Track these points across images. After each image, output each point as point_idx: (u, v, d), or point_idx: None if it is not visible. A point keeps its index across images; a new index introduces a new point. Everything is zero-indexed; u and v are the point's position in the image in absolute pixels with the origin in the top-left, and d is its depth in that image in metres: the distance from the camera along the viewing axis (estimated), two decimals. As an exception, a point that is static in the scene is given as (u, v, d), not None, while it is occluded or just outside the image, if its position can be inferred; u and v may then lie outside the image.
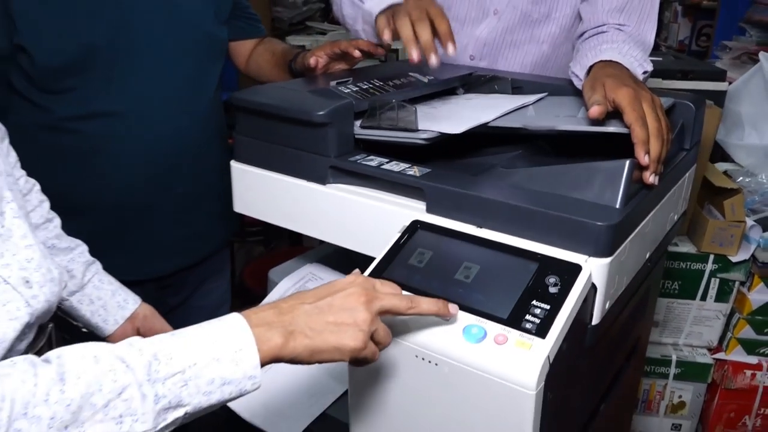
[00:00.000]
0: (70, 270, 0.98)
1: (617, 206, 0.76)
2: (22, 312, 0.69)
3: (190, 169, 1.25)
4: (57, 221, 1.00)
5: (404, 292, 0.71)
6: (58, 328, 0.88)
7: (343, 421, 0.88)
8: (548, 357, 0.66)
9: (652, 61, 1.09)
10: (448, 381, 0.70)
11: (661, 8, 1.44)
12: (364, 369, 0.77)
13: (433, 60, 0.98)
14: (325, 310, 0.65)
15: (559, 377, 0.69)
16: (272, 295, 1.10)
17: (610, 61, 0.96)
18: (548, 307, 0.69)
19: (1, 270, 0.69)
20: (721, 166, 1.84)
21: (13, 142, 0.93)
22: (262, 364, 0.61)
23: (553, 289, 0.70)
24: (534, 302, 0.70)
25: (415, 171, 0.85)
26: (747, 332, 1.68)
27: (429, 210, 0.83)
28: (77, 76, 1.11)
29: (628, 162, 0.77)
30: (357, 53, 1.12)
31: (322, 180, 0.92)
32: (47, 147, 1.15)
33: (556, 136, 0.92)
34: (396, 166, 0.86)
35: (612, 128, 0.84)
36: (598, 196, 0.77)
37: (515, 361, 0.66)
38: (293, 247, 2.66)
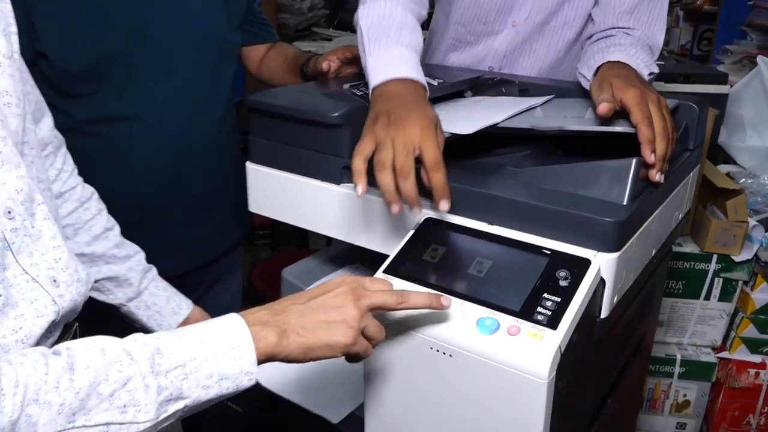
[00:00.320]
0: (127, 278, 1.02)
1: (625, 203, 0.79)
2: (48, 310, 0.71)
3: (204, 170, 1.27)
4: (117, 228, 1.03)
5: (399, 287, 0.75)
6: (86, 327, 0.90)
7: (358, 414, 0.90)
8: (559, 347, 0.68)
9: (654, 64, 1.11)
10: (462, 372, 0.73)
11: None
12: (380, 362, 0.80)
13: (416, 211, 0.81)
14: (315, 309, 0.69)
15: (569, 368, 0.71)
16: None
17: (618, 61, 0.99)
18: (559, 299, 0.71)
19: (30, 269, 0.71)
20: (724, 168, 1.87)
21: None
22: (259, 362, 0.65)
23: (563, 283, 0.73)
24: (545, 295, 0.72)
25: (427, 170, 0.87)
26: (750, 331, 1.70)
27: (442, 208, 0.85)
28: (95, 81, 1.14)
29: (634, 160, 0.80)
30: None
31: (336, 180, 0.95)
32: (67, 149, 1.17)
33: (564, 136, 0.95)
34: (408, 166, 0.89)
35: (619, 128, 0.87)
36: (606, 193, 0.80)
37: (528, 352, 0.68)
38: (301, 248, 2.68)
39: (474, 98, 1.19)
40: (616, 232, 0.75)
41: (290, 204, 1.02)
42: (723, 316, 1.74)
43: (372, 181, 0.79)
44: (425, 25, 1.13)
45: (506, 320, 0.71)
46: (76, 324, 0.82)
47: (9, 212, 0.69)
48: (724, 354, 1.75)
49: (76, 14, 1.11)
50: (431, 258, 0.80)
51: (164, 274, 1.29)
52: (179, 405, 0.61)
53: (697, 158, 1.09)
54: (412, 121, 0.79)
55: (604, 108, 0.86)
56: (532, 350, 0.68)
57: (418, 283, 0.78)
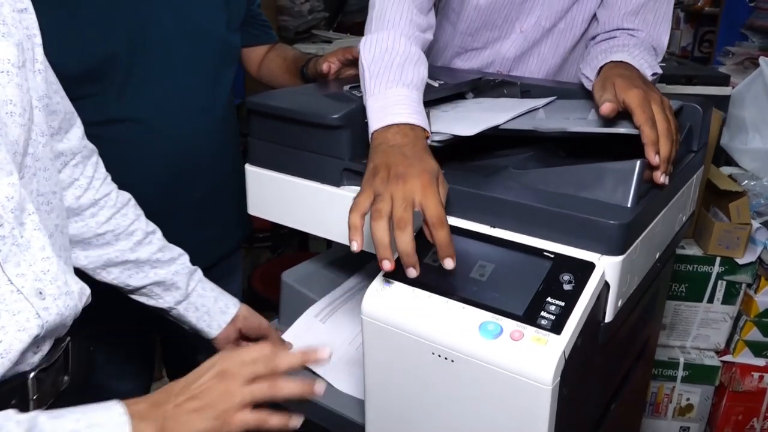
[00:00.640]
0: (174, 282, 1.02)
1: (629, 205, 0.78)
2: (31, 324, 0.69)
3: (204, 173, 1.26)
4: (158, 232, 1.03)
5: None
6: (88, 339, 0.89)
7: (359, 422, 0.89)
8: (564, 352, 0.67)
9: (656, 66, 1.10)
10: (464, 377, 0.72)
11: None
12: (380, 366, 0.79)
13: (412, 273, 0.74)
14: (188, 399, 0.69)
15: (573, 373, 0.70)
16: (310, 312, 1.12)
17: (621, 62, 0.98)
18: (563, 303, 0.70)
19: (15, 279, 0.69)
20: (726, 170, 1.86)
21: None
22: None
23: (567, 287, 0.72)
24: (549, 299, 0.71)
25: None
26: (754, 334, 1.69)
27: (443, 210, 0.84)
28: (95, 83, 1.13)
29: (639, 162, 0.79)
30: None
31: (336, 182, 0.94)
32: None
33: (566, 137, 0.94)
34: (409, 168, 0.88)
35: (622, 129, 0.86)
36: (610, 195, 0.79)
37: (531, 357, 0.67)
38: (301, 252, 2.67)
39: (475, 99, 1.18)
40: (620, 235, 0.73)
41: (290, 207, 1.01)
42: (726, 319, 1.73)
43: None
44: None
45: (509, 325, 0.70)
46: (68, 338, 0.80)
47: None
48: (728, 357, 1.74)
49: (75, 16, 1.10)
50: (433, 261, 0.79)
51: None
52: None
53: (701, 160, 1.08)
54: (413, 176, 0.76)
55: (606, 108, 0.85)
56: (535, 355, 0.67)
57: (420, 287, 0.77)
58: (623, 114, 0.86)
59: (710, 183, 1.66)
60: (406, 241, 0.72)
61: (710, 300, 1.71)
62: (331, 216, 0.96)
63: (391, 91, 0.88)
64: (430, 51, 1.42)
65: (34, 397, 0.74)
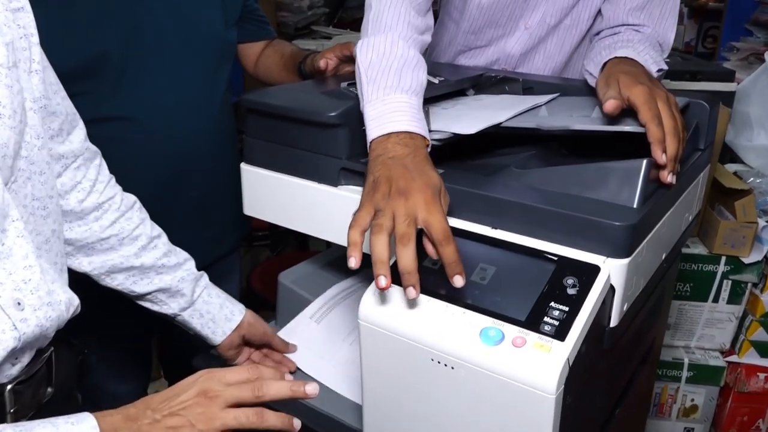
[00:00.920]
0: (179, 289, 1.00)
1: (635, 206, 0.75)
2: (7, 336, 0.66)
3: (200, 172, 1.24)
4: (164, 237, 1.01)
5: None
6: (83, 341, 0.87)
7: (357, 428, 0.87)
8: (568, 360, 0.64)
9: (660, 62, 1.08)
10: (464, 385, 0.69)
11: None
12: (378, 372, 0.77)
13: (412, 293, 0.71)
14: (166, 416, 0.67)
15: (577, 380, 0.68)
16: (305, 313, 1.10)
17: (625, 57, 0.95)
18: (567, 308, 0.68)
19: None
20: (731, 167, 1.83)
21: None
22: None
23: (571, 291, 0.69)
24: (552, 304, 0.69)
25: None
26: (760, 334, 1.66)
27: (443, 211, 0.82)
28: (89, 81, 1.11)
29: (645, 161, 0.76)
30: None
31: (333, 182, 0.92)
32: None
33: (570, 136, 0.91)
34: (408, 168, 0.85)
35: (627, 127, 0.83)
36: (615, 196, 0.76)
37: (534, 364, 0.65)
38: (300, 251, 2.65)
39: (476, 96, 1.15)
40: (626, 237, 0.71)
41: (286, 207, 0.99)
42: (732, 319, 1.70)
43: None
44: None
45: (511, 331, 0.68)
46: (51, 349, 0.77)
47: None
48: (733, 358, 1.72)
49: (68, 12, 1.07)
50: (432, 264, 0.77)
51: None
52: None
53: (708, 158, 1.05)
54: (415, 190, 0.73)
55: (610, 105, 0.82)
56: (538, 363, 0.64)
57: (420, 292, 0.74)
58: (628, 111, 0.83)
59: (715, 181, 1.63)
60: (409, 257, 0.70)
61: (715, 299, 1.69)
62: (328, 216, 0.94)
63: (389, 97, 0.84)
64: (434, 48, 1.40)
65: (12, 410, 0.71)
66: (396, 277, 0.74)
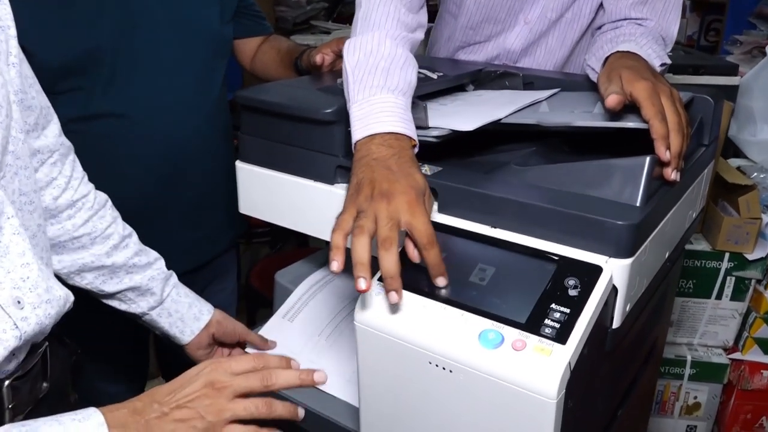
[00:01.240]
0: (149, 288, 0.99)
1: (638, 204, 0.73)
2: (8, 335, 0.66)
3: (196, 170, 1.23)
4: (134, 236, 1.00)
5: (276, 353, 0.75)
6: (77, 340, 0.86)
7: (354, 429, 0.85)
8: (569, 363, 0.63)
9: (663, 56, 1.06)
10: (463, 388, 0.67)
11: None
12: (375, 375, 0.75)
13: (395, 297, 0.70)
14: (174, 409, 0.66)
15: (579, 384, 0.66)
16: (288, 302, 1.08)
17: (627, 52, 0.93)
18: (568, 310, 0.66)
19: None
20: (734, 162, 1.81)
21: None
22: None
23: (572, 292, 0.67)
24: (553, 306, 0.67)
25: (426, 169, 0.82)
26: (764, 331, 1.65)
27: (441, 210, 0.80)
28: (80, 77, 1.09)
29: (648, 158, 0.74)
30: None
31: (329, 180, 0.90)
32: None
33: (571, 132, 0.89)
34: (406, 165, 0.83)
35: (630, 123, 0.81)
36: (618, 194, 0.74)
37: (534, 368, 0.63)
38: (300, 248, 2.63)
39: (476, 92, 1.13)
40: (629, 236, 0.69)
41: (281, 205, 0.97)
42: (735, 316, 1.69)
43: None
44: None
45: (511, 333, 0.66)
46: (46, 344, 0.76)
47: None
48: (737, 355, 1.70)
49: (60, 6, 1.06)
50: (430, 264, 0.75)
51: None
52: None
53: (712, 154, 1.03)
54: (398, 193, 0.71)
55: (612, 100, 0.80)
56: (539, 367, 0.63)
57: (416, 293, 0.72)
58: (631, 107, 0.81)
59: (718, 176, 1.61)
60: (391, 261, 0.68)
61: (719, 296, 1.67)
62: (324, 215, 0.91)
63: (375, 97, 0.82)
64: (434, 44, 1.38)
65: (10, 406, 0.70)
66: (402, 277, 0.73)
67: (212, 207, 1.28)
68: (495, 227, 0.77)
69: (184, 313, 1.02)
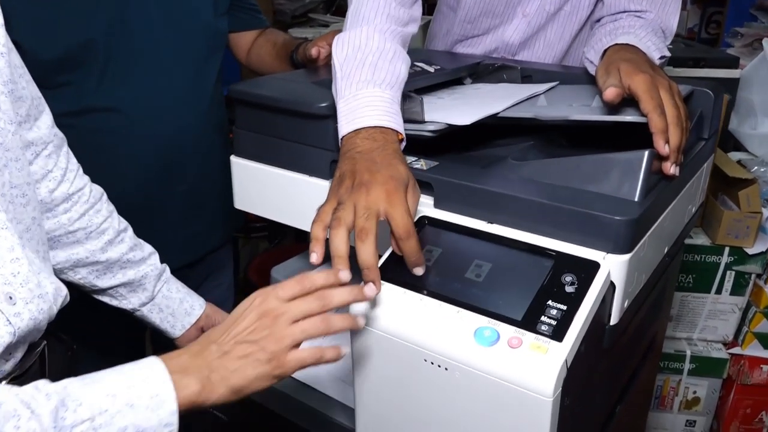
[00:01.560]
0: (142, 284, 0.98)
1: (636, 199, 0.72)
2: (2, 331, 0.65)
3: (191, 165, 1.21)
4: (130, 230, 0.99)
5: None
6: (73, 337, 0.85)
7: (349, 426, 0.85)
8: (566, 361, 0.62)
9: (663, 48, 1.04)
10: (459, 386, 0.67)
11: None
12: (370, 373, 0.74)
13: (371, 290, 0.68)
14: (234, 346, 0.64)
15: (576, 382, 0.65)
16: None
17: (626, 44, 0.92)
18: (565, 307, 0.65)
19: None
20: (735, 155, 1.80)
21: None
22: (179, 411, 0.60)
23: (569, 289, 0.67)
24: (550, 302, 0.66)
25: (422, 164, 0.81)
26: (764, 326, 1.64)
27: (437, 205, 0.79)
28: (72, 71, 1.08)
29: (647, 152, 0.73)
30: None
31: (325, 175, 0.89)
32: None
33: (569, 126, 0.88)
34: (402, 160, 0.82)
35: (628, 117, 0.80)
36: (616, 188, 0.74)
37: (531, 366, 0.62)
38: (298, 243, 2.62)
39: (473, 85, 1.12)
40: (627, 232, 0.68)
41: (277, 200, 0.96)
42: (735, 311, 1.68)
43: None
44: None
45: (507, 331, 0.65)
46: (44, 343, 0.75)
47: None
48: (736, 350, 1.69)
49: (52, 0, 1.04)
50: (426, 261, 0.74)
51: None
52: None
53: (712, 148, 1.02)
54: (378, 183, 0.70)
55: (610, 93, 0.79)
56: (535, 365, 0.62)
57: (411, 289, 0.72)
58: (630, 101, 0.80)
59: (719, 170, 1.60)
60: (367, 252, 0.67)
61: (718, 291, 1.66)
62: (320, 210, 0.91)
63: (361, 92, 0.81)
64: (432, 38, 1.37)
65: None
66: (384, 275, 0.72)
67: (207, 202, 1.27)
68: (491, 223, 0.76)
69: (175, 308, 1.01)
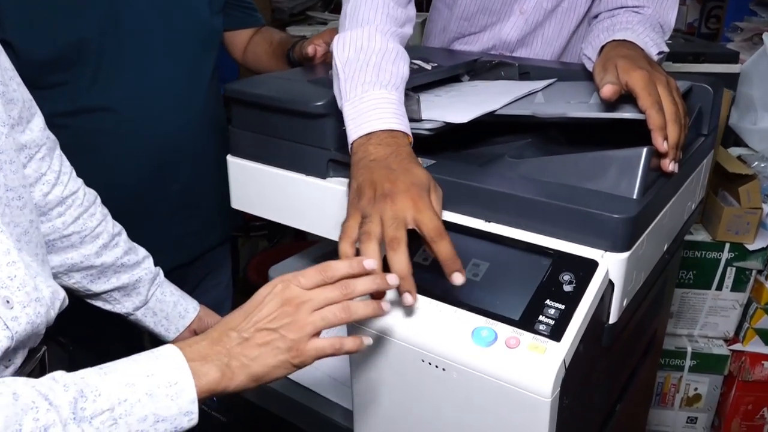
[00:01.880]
0: (136, 288, 0.97)
1: (635, 197, 0.72)
2: (0, 336, 0.64)
3: (187, 164, 1.21)
4: (124, 233, 0.98)
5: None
6: (75, 342, 0.85)
7: (347, 426, 0.84)
8: (564, 361, 0.61)
9: (661, 43, 1.04)
10: (456, 387, 0.66)
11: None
12: (368, 373, 0.74)
13: (409, 299, 0.67)
14: (254, 333, 0.63)
15: (574, 381, 0.65)
16: None
17: (624, 40, 0.91)
18: (563, 306, 0.65)
19: None
20: (735, 151, 1.79)
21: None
22: (199, 399, 0.59)
23: (567, 287, 0.66)
24: (548, 302, 0.66)
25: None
26: (765, 322, 1.63)
27: (435, 204, 0.78)
28: (66, 70, 1.07)
29: (645, 149, 0.73)
30: None
31: (321, 174, 0.89)
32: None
33: (567, 123, 0.88)
34: (398, 158, 0.82)
35: (626, 114, 0.80)
36: (614, 186, 0.73)
37: (528, 367, 0.61)
38: (297, 242, 2.62)
39: (471, 83, 1.11)
40: (625, 230, 0.68)
41: (274, 200, 0.96)
42: (736, 307, 1.67)
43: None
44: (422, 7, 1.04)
45: (504, 331, 0.64)
46: (44, 348, 0.75)
47: None
48: (737, 346, 1.68)
49: None
50: (423, 260, 0.73)
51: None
52: None
53: (711, 144, 1.01)
54: (401, 191, 0.69)
55: (608, 90, 0.79)
56: (533, 365, 0.61)
57: (408, 289, 0.71)
58: (627, 97, 0.80)
59: (719, 165, 1.59)
60: (401, 261, 0.66)
61: (719, 287, 1.65)
62: (317, 209, 0.91)
63: (367, 94, 0.80)
64: (428, 36, 1.36)
65: None
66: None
67: (203, 201, 1.27)
68: (489, 221, 0.75)
69: (169, 312, 1.01)
